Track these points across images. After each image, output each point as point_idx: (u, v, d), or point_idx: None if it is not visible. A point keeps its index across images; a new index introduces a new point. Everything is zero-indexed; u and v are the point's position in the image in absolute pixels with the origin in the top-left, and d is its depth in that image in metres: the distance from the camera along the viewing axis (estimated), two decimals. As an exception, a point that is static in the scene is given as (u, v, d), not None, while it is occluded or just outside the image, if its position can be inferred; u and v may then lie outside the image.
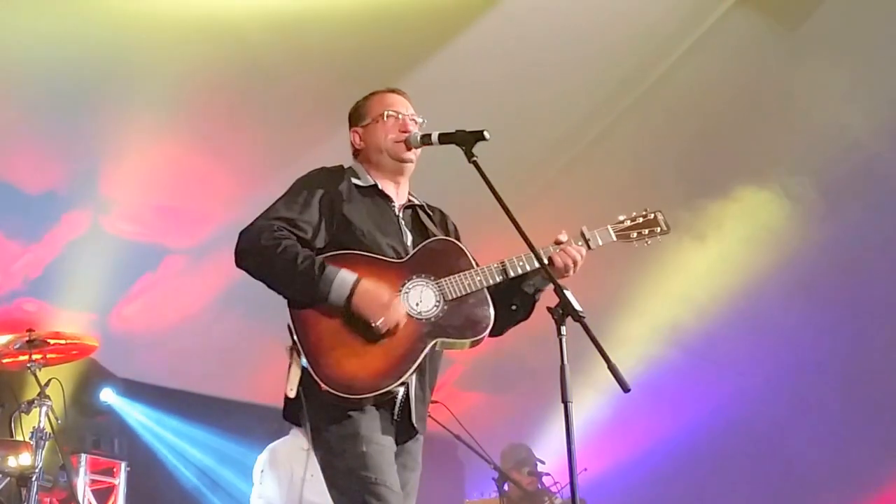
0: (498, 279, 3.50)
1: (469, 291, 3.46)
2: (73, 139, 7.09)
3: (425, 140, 3.62)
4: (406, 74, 6.78)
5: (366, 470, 3.25)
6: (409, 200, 3.76)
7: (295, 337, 3.35)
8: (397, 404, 3.42)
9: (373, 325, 3.31)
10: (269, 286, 3.43)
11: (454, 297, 3.44)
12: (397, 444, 3.45)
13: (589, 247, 3.62)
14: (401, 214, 3.69)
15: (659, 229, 3.78)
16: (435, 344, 3.40)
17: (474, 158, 3.44)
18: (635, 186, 8.22)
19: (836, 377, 9.07)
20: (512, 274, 3.52)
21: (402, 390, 3.40)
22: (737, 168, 8.33)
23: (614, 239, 3.70)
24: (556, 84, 7.53)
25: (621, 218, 3.75)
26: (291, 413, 3.47)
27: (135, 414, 8.40)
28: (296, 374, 3.34)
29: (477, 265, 3.55)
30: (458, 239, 3.83)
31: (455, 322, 3.42)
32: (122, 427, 8.23)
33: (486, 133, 3.45)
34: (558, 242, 3.60)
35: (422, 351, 3.36)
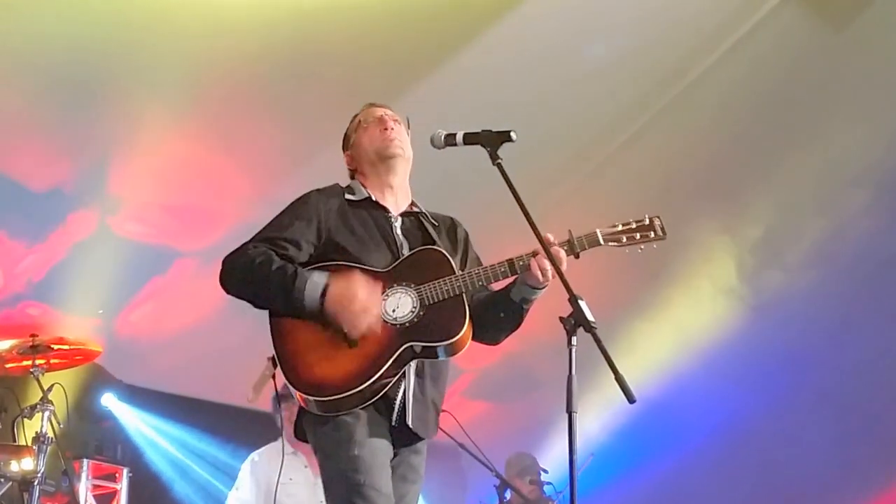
0: (478, 284, 3.47)
1: (446, 297, 3.42)
2: (81, 134, 7.00)
3: (449, 140, 3.54)
4: (427, 72, 6.67)
5: (356, 472, 3.27)
6: (410, 209, 3.74)
7: (273, 347, 3.42)
8: (396, 409, 3.41)
9: (345, 330, 3.35)
10: (254, 305, 3.50)
11: (432, 302, 3.43)
12: (396, 449, 3.47)
13: (574, 251, 3.48)
14: (397, 223, 3.66)
15: (653, 234, 3.63)
16: (407, 347, 3.38)
17: (499, 161, 3.36)
18: (666, 192, 8.11)
19: (845, 393, 9.04)
20: (494, 280, 3.49)
21: (399, 394, 3.41)
22: (769, 174, 8.22)
23: (602, 243, 3.55)
24: (588, 83, 7.38)
25: (615, 223, 3.62)
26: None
27: (138, 419, 8.39)
28: (262, 382, 3.47)
29: (460, 272, 3.51)
30: (469, 246, 3.81)
31: (427, 326, 3.41)
32: (125, 432, 8.23)
33: (512, 134, 3.38)
34: (548, 242, 3.45)
35: (391, 354, 3.36)
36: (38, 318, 7.64)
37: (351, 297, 3.33)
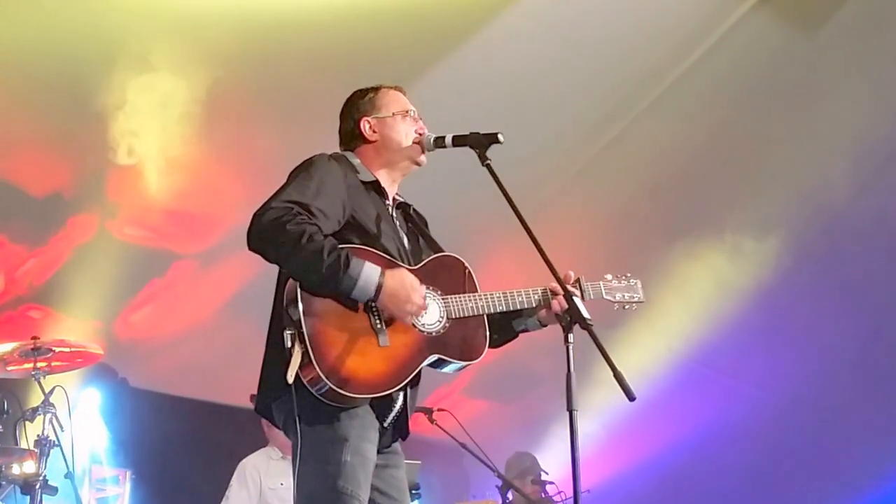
0: (499, 309, 3.48)
1: (471, 315, 3.43)
2: (80, 141, 7.04)
3: (439, 143, 3.60)
4: (420, 76, 6.74)
5: (343, 479, 3.18)
6: (397, 198, 3.73)
7: (302, 324, 3.18)
8: (394, 412, 3.39)
9: (408, 320, 3.27)
10: (286, 270, 3.31)
11: (457, 316, 3.41)
12: (381, 449, 3.40)
13: (582, 297, 3.56)
14: (394, 214, 3.65)
15: (637, 297, 3.79)
16: (432, 358, 3.36)
17: (488, 162, 3.43)
18: (649, 195, 8.20)
19: (841, 390, 9.05)
20: (512, 307, 3.50)
21: (400, 399, 3.39)
22: (749, 176, 8.29)
23: (604, 297, 3.72)
24: (572, 87, 7.49)
25: (608, 277, 3.76)
26: (264, 406, 3.41)
27: (141, 422, 8.36)
28: (297, 361, 3.18)
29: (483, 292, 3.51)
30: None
31: (454, 342, 3.42)
32: (128, 435, 8.20)
33: (500, 136, 3.45)
34: (567, 280, 3.55)
35: (420, 362, 3.34)
36: (40, 321, 7.61)
37: (406, 295, 3.23)
